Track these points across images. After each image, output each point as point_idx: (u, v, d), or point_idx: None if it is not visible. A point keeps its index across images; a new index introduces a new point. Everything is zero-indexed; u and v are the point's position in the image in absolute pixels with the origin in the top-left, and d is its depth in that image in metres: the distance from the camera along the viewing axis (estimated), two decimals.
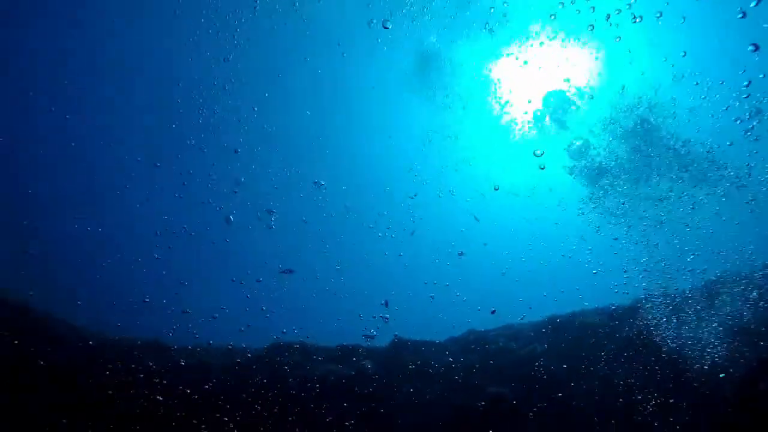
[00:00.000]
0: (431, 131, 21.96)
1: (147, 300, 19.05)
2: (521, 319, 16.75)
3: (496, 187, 23.27)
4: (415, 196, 23.85)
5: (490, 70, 17.72)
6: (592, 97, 15.37)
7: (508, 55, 16.38)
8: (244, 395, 13.78)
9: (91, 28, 18.71)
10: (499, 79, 17.27)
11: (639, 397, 12.29)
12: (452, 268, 24.47)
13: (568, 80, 15.51)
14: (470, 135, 21.52)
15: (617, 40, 14.40)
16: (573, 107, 15.68)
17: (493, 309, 16.88)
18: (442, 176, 23.83)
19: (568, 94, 15.51)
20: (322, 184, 22.40)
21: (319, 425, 13.90)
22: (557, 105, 15.79)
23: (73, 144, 21.35)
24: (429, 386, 14.66)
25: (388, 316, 19.16)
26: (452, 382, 14.61)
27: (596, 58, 15.47)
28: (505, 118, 18.92)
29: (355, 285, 22.49)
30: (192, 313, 17.53)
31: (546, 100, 15.73)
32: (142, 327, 15.86)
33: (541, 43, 15.49)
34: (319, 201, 23.09)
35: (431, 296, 23.45)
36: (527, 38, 15.39)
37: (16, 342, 12.39)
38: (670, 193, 14.80)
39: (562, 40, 15.36)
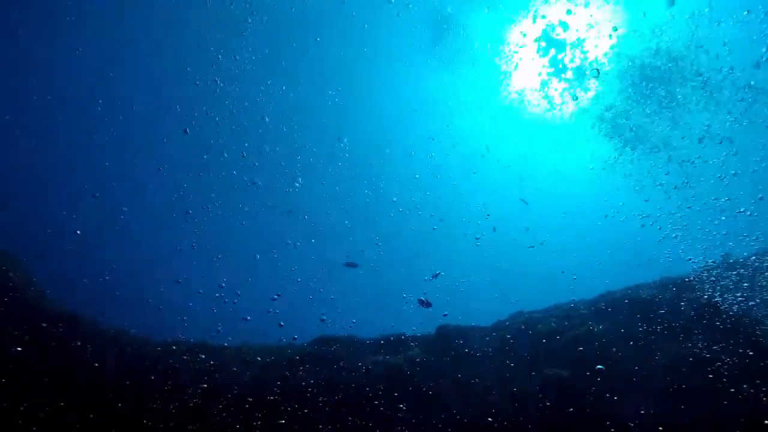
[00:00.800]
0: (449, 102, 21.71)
1: (179, 281, 19.17)
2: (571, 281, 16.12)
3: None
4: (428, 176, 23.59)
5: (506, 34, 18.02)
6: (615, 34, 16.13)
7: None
8: (293, 390, 13.59)
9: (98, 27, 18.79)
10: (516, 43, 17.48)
11: (714, 369, 11.54)
12: (488, 250, 23.91)
13: (570, 12, 16.56)
14: (488, 107, 21.11)
15: None
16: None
17: (532, 245, 16.81)
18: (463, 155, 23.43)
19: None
20: (343, 141, 22.16)
21: (372, 416, 13.61)
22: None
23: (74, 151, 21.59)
24: (481, 372, 14.18)
25: (425, 298, 18.91)
26: (504, 366, 14.09)
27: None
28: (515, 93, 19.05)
29: (391, 275, 22.24)
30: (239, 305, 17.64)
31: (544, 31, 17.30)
32: (186, 328, 15.91)
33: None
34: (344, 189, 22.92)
35: (477, 237, 23.12)
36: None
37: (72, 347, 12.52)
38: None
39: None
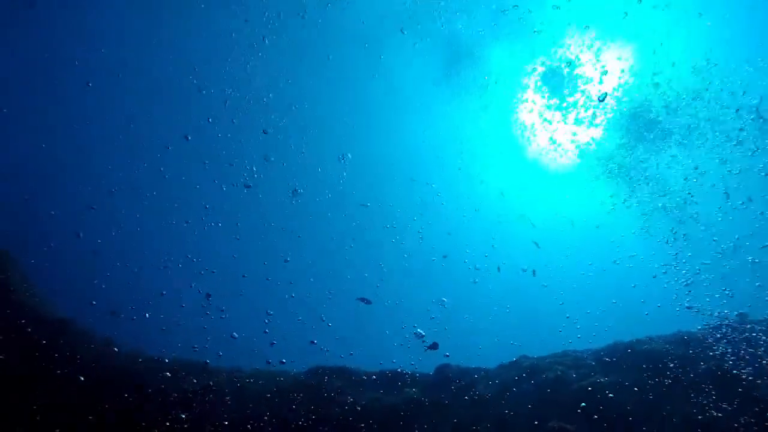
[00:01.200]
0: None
1: (163, 293, 18.45)
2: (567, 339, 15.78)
3: None
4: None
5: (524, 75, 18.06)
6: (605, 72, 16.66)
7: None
8: (284, 422, 12.83)
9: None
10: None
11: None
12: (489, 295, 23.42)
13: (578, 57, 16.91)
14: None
15: None
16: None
17: (533, 269, 16.80)
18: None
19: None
20: (348, 156, 22.00)
21: None
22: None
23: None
24: (480, 417, 13.47)
25: (423, 333, 18.38)
26: (506, 414, 13.39)
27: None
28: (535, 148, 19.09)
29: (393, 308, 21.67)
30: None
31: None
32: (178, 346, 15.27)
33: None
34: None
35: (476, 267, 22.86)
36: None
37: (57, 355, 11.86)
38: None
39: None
